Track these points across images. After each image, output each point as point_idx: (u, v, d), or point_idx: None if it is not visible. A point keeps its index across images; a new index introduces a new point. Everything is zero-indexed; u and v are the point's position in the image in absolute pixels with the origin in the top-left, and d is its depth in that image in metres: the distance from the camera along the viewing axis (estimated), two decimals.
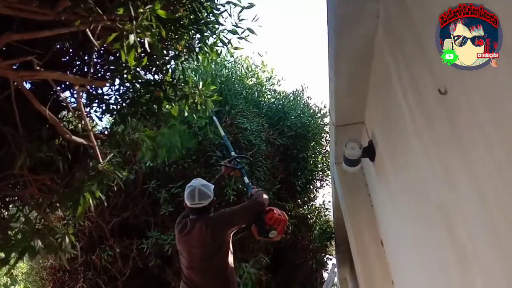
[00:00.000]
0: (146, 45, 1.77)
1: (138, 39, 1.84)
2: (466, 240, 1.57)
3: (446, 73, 1.50)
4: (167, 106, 2.91)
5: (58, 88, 2.57)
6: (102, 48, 3.08)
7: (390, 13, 2.09)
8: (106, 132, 3.08)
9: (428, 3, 1.58)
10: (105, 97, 3.29)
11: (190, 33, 3.02)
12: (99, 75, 3.23)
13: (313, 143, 7.45)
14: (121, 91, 3.20)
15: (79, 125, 2.65)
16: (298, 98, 7.49)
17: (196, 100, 2.57)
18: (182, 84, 2.65)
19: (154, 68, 3.13)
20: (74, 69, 2.77)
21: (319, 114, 7.53)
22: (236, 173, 3.30)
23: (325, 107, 7.53)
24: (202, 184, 2.88)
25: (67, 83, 2.84)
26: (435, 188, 1.82)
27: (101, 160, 2.28)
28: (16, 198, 2.49)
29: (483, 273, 1.47)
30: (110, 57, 2.90)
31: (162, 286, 5.23)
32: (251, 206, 2.86)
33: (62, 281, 5.42)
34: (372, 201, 3.74)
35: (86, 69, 2.43)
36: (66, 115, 3.25)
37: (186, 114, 2.67)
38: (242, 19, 3.16)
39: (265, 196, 2.91)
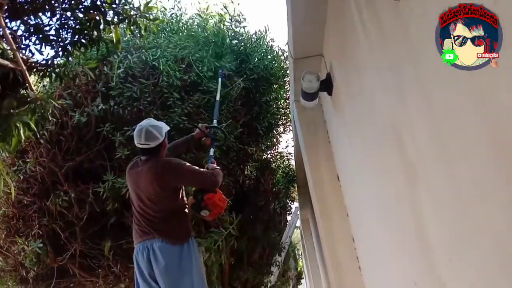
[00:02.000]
0: None
1: None
2: (414, 156, 1.54)
3: None
4: (110, 33, 2.68)
5: None
6: None
7: None
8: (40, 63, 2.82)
9: None
10: (46, 28, 3.02)
11: None
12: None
13: (276, 86, 7.32)
14: (61, 20, 2.93)
15: (9, 52, 2.38)
16: (261, 40, 7.24)
17: (138, 23, 2.35)
18: (124, 7, 2.41)
19: None
20: None
21: (282, 57, 7.34)
22: (207, 140, 3.24)
23: (286, 44, 7.33)
24: (151, 124, 2.79)
25: None
26: (387, 107, 1.76)
27: (32, 88, 2.07)
28: None
29: (429, 188, 1.45)
30: None
31: (121, 230, 5.15)
32: (208, 177, 2.82)
33: (16, 229, 5.24)
34: (330, 138, 3.73)
35: None
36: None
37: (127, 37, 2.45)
38: None
39: (220, 178, 2.89)
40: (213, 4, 7.35)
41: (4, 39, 2.16)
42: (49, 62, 2.90)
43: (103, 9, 2.44)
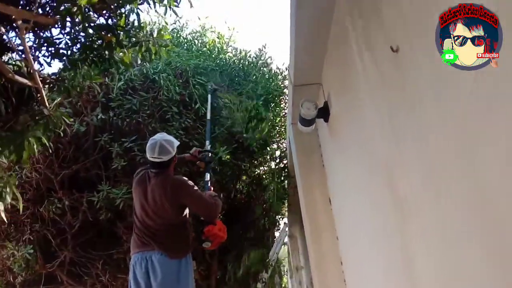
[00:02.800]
0: None
1: None
2: (405, 194, 1.67)
3: (397, 31, 1.53)
4: (120, 53, 2.80)
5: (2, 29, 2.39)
6: None
7: None
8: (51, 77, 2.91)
9: None
10: (55, 41, 3.11)
11: None
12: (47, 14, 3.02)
13: (272, 104, 7.46)
14: (72, 35, 3.03)
15: (25, 68, 2.48)
16: (259, 58, 7.41)
17: (149, 48, 2.47)
18: (137, 30, 2.53)
19: (107, 12, 2.97)
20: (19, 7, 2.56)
21: (279, 76, 7.52)
22: (201, 164, 3.27)
23: (286, 69, 7.51)
24: (165, 139, 2.88)
25: (13, 24, 2.64)
26: (381, 144, 1.89)
27: (47, 104, 2.17)
28: None
29: (419, 224, 1.58)
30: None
31: (113, 240, 5.20)
32: (210, 207, 2.87)
33: (7, 233, 5.25)
34: (324, 162, 3.86)
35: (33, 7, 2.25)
36: (11, 57, 3.03)
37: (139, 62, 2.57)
38: None
39: (219, 210, 2.94)
40: (213, 21, 7.47)
41: (23, 57, 2.26)
42: (58, 75, 3.00)
43: (116, 31, 2.55)
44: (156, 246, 2.76)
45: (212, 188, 3.15)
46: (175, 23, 6.86)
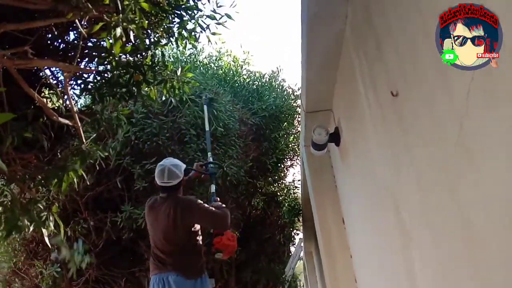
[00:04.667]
0: (131, 37, 1.91)
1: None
2: (407, 220, 1.85)
3: (397, 77, 1.74)
4: (146, 88, 3.05)
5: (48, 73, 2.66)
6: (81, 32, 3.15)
7: (356, 16, 2.29)
8: (85, 111, 3.17)
9: (386, 12, 1.79)
10: (84, 75, 3.37)
11: (170, 17, 3.13)
12: (78, 57, 3.31)
13: (285, 123, 7.68)
14: (100, 70, 3.30)
15: (61, 105, 2.75)
16: (273, 79, 7.67)
17: (174, 85, 2.71)
18: (162, 68, 2.78)
19: (133, 52, 3.23)
20: (60, 52, 2.84)
21: (292, 96, 7.75)
22: (205, 177, 3.34)
23: (298, 89, 7.75)
24: (172, 163, 3.00)
25: None
26: (385, 174, 2.08)
27: (84, 140, 2.42)
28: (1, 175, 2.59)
29: (418, 248, 1.76)
30: (90, 41, 2.98)
31: (135, 258, 5.43)
32: (220, 219, 2.93)
33: (35, 252, 5.52)
34: (336, 182, 4.04)
35: (70, 53, 2.53)
36: (47, 94, 3.31)
37: (164, 98, 2.81)
38: (220, 6, 3.28)
39: (229, 219, 2.99)
40: (228, 45, 7.76)
41: (66, 99, 2.52)
42: (89, 109, 3.26)
43: (143, 70, 2.81)
44: (171, 267, 2.87)
45: (218, 199, 3.22)
46: (192, 48, 7.17)
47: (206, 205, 3.01)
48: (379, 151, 2.12)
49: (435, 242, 1.55)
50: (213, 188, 3.29)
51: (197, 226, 3.04)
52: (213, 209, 2.98)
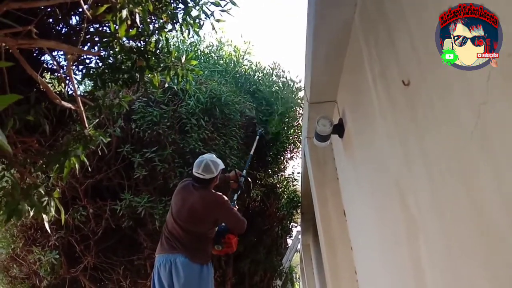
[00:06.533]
0: (137, 19, 1.86)
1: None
2: (415, 211, 1.83)
3: (410, 66, 1.70)
4: (149, 75, 3.01)
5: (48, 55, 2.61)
6: (85, 15, 3.10)
7: (366, 3, 2.25)
8: (86, 97, 3.12)
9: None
10: (86, 61, 3.32)
11: (175, 3, 3.08)
12: (81, 42, 3.25)
13: (286, 116, 7.64)
14: (102, 56, 3.24)
15: (63, 89, 2.70)
16: (274, 71, 7.61)
17: (178, 72, 2.67)
18: (166, 55, 2.73)
19: (136, 37, 3.18)
20: (62, 37, 2.79)
21: (293, 89, 7.69)
22: (233, 185, 3.56)
23: (299, 81, 7.70)
24: (212, 159, 3.17)
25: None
26: (393, 165, 2.05)
27: (86, 125, 2.38)
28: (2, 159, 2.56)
29: (426, 239, 1.74)
30: (92, 27, 2.93)
31: (134, 246, 5.41)
32: (241, 224, 3.16)
33: (34, 239, 5.50)
34: (338, 175, 4.01)
35: (73, 38, 2.47)
36: (49, 79, 3.26)
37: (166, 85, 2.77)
38: None
39: (245, 227, 3.20)
40: (230, 34, 7.70)
41: (68, 82, 2.48)
42: (91, 95, 3.21)
43: (147, 55, 2.76)
44: (182, 250, 2.98)
45: (237, 207, 3.40)
46: (193, 37, 7.10)
47: (233, 208, 3.21)
48: (388, 142, 2.09)
49: (445, 234, 1.53)
50: (235, 196, 3.50)
51: (218, 221, 3.19)
52: (238, 213, 3.20)
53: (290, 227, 8.97)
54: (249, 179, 3.95)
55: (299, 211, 8.16)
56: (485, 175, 1.19)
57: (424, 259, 1.77)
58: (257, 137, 4.46)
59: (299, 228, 9.66)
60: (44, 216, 2.30)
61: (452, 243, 1.48)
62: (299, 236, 10.24)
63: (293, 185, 8.45)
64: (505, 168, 1.09)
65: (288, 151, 8.21)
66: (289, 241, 10.31)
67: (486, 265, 1.24)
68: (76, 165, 2.30)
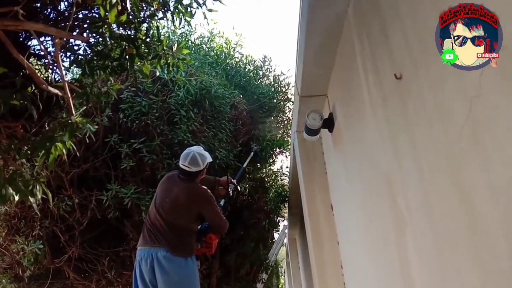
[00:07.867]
0: (128, 5, 1.82)
1: None
2: (403, 207, 1.83)
3: (402, 60, 1.70)
4: (139, 63, 2.96)
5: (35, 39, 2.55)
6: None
7: None
8: (74, 84, 3.06)
9: None
10: (74, 47, 3.25)
11: None
12: (69, 28, 3.18)
13: (275, 110, 7.64)
14: (91, 43, 3.18)
15: (51, 75, 2.64)
16: (264, 65, 7.59)
17: (168, 61, 2.63)
18: (157, 43, 2.69)
19: (127, 25, 3.12)
20: (50, 22, 2.72)
21: (283, 83, 7.70)
22: (222, 191, 3.57)
23: (287, 77, 7.69)
24: (199, 152, 3.14)
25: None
26: (383, 160, 2.06)
27: (73, 112, 2.33)
28: None
29: (414, 235, 1.75)
30: (81, 13, 2.87)
31: (119, 238, 5.37)
32: (223, 224, 3.19)
33: (17, 228, 5.40)
34: (327, 169, 4.02)
35: (61, 24, 2.41)
36: (36, 64, 3.19)
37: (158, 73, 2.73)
38: None
39: (226, 229, 3.28)
40: (221, 26, 7.65)
41: (55, 68, 2.42)
42: (78, 82, 3.15)
43: (137, 43, 2.71)
44: (164, 243, 2.95)
45: (222, 212, 3.40)
46: (183, 27, 7.04)
47: (217, 205, 3.22)
48: (378, 136, 2.09)
49: (434, 229, 1.54)
50: (222, 202, 3.51)
51: (201, 216, 3.17)
52: (221, 213, 3.23)
53: (277, 221, 8.99)
54: (239, 188, 3.99)
55: (286, 205, 8.18)
56: (474, 169, 1.20)
57: (412, 254, 1.78)
58: (252, 153, 4.51)
59: (286, 222, 9.70)
60: (31, 199, 2.26)
61: (440, 238, 1.49)
62: (286, 231, 10.28)
63: (281, 180, 8.47)
64: (495, 162, 1.09)
65: (278, 146, 8.22)
66: (276, 235, 10.36)
67: (474, 261, 1.24)
68: (64, 151, 2.25)
